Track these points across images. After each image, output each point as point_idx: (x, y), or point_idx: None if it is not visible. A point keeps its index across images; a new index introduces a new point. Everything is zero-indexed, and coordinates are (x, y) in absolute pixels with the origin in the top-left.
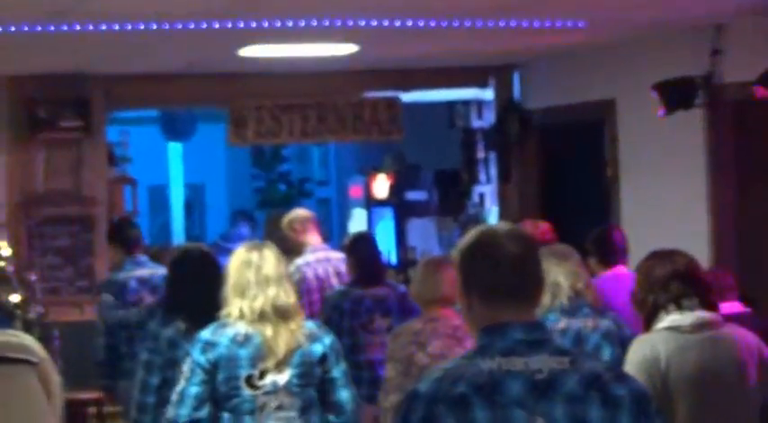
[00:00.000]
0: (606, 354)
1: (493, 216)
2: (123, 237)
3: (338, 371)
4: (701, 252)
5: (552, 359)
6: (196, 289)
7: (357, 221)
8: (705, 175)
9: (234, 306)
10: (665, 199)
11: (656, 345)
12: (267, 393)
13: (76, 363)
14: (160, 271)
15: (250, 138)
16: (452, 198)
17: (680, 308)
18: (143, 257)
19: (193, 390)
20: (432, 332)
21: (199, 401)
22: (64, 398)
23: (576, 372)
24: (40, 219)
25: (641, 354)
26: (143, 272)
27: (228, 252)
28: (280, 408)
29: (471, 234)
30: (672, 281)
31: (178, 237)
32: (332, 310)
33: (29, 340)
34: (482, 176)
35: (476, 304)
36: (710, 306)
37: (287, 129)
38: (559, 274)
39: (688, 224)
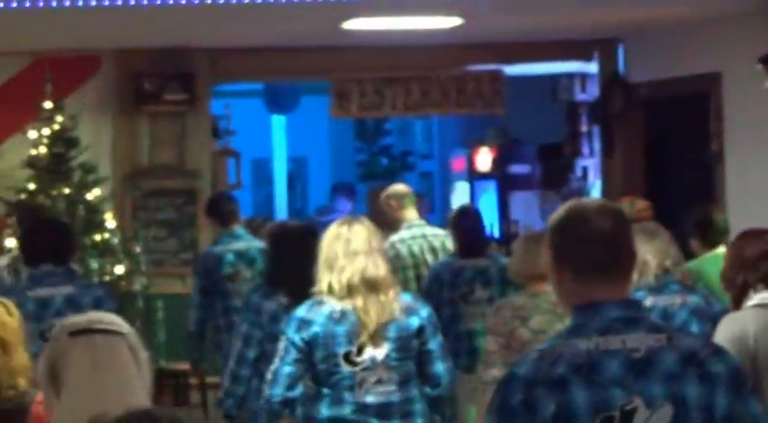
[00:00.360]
0: (694, 330)
1: (596, 190)
2: (219, 211)
3: (435, 343)
4: None
5: (649, 337)
6: (297, 264)
7: (460, 195)
8: None
9: (323, 281)
10: None
11: (746, 322)
12: (366, 369)
13: (179, 334)
14: (256, 244)
15: (353, 111)
16: (555, 171)
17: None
18: (240, 230)
19: (287, 369)
20: (533, 307)
21: (292, 381)
22: (152, 370)
23: (673, 349)
24: (144, 191)
25: (730, 331)
26: (239, 245)
27: (324, 226)
28: (379, 382)
29: (561, 210)
30: (762, 260)
31: (281, 210)
32: (433, 280)
33: (114, 316)
34: (585, 150)
35: (567, 281)
36: None
37: (390, 102)
38: (648, 253)
39: None
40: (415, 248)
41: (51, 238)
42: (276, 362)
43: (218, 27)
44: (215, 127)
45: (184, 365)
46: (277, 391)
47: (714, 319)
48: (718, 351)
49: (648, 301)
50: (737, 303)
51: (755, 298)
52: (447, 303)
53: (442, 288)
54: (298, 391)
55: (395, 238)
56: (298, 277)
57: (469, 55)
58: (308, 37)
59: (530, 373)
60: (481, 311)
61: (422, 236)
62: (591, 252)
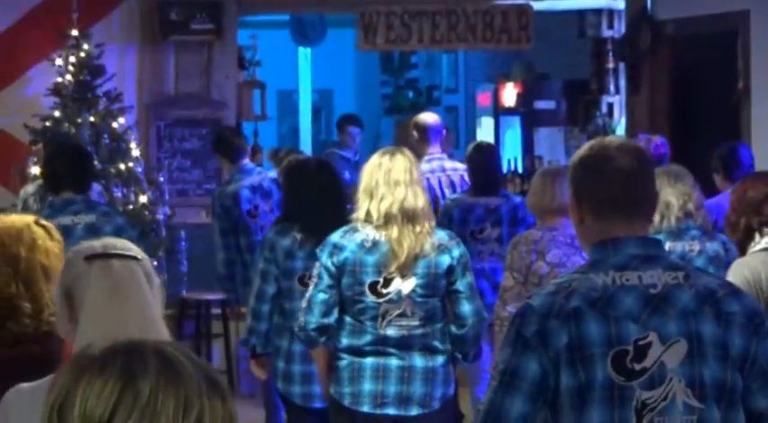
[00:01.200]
0: None
1: (621, 127)
2: (227, 146)
3: (463, 283)
4: None
5: (666, 274)
6: (312, 200)
7: (485, 130)
8: None
9: (362, 208)
10: None
11: (756, 266)
12: (390, 301)
13: (202, 264)
14: (268, 175)
15: (379, 44)
16: (581, 108)
17: None
18: (249, 164)
19: (321, 296)
20: (550, 241)
21: (327, 307)
22: (165, 296)
23: (690, 287)
24: (169, 121)
25: (741, 276)
26: (252, 179)
27: (343, 159)
28: (401, 316)
29: (583, 147)
30: (765, 203)
31: (305, 142)
32: (442, 216)
33: (128, 242)
34: (611, 87)
35: (587, 218)
36: None
37: (416, 35)
38: (670, 195)
39: None
40: (434, 182)
41: (71, 166)
42: (311, 289)
43: None
44: (241, 57)
45: (207, 295)
46: (312, 319)
47: None
48: (736, 291)
49: (667, 246)
50: (742, 247)
51: (762, 241)
52: None
53: (452, 225)
54: (333, 317)
55: None
56: (312, 213)
57: None
58: None
59: (545, 306)
60: (489, 249)
61: (441, 169)
62: (612, 190)
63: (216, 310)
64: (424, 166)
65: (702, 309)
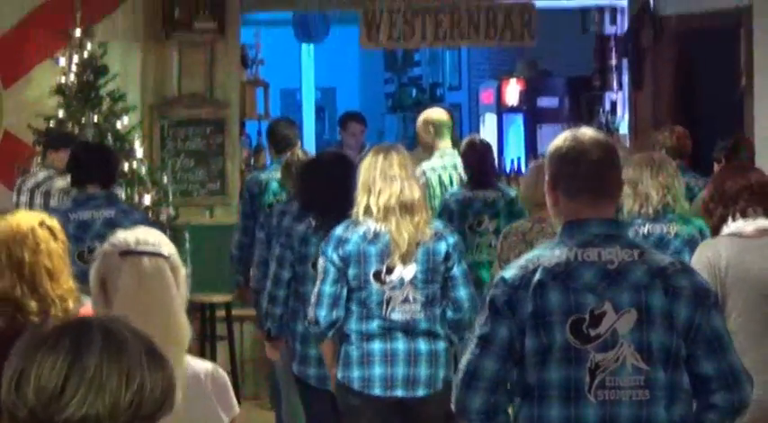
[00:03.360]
0: (686, 259)
1: (624, 123)
2: (273, 136)
3: (459, 270)
4: None
5: (623, 251)
6: (328, 187)
7: (488, 127)
8: None
9: (361, 203)
10: None
11: (719, 248)
12: (394, 288)
13: (206, 265)
14: None
15: (383, 41)
16: (584, 105)
17: (744, 217)
18: None
19: (329, 289)
20: (539, 232)
21: (335, 300)
22: (188, 291)
23: (643, 263)
24: (172, 121)
25: (705, 256)
26: None
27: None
28: (405, 301)
29: (559, 138)
30: (741, 194)
31: (309, 140)
32: (442, 210)
33: (159, 234)
34: (614, 83)
35: (561, 200)
36: None
37: (420, 33)
38: (651, 187)
39: None
40: (445, 178)
41: (96, 162)
42: (318, 283)
43: None
44: (244, 56)
45: (211, 297)
46: (322, 313)
47: None
48: (685, 269)
49: (645, 229)
50: (716, 232)
51: (731, 226)
52: None
53: (452, 218)
54: (342, 310)
55: (426, 165)
56: (328, 201)
57: None
58: None
59: (515, 278)
60: (488, 242)
61: (453, 166)
62: (582, 176)
63: (220, 312)
64: (436, 162)
65: (653, 283)
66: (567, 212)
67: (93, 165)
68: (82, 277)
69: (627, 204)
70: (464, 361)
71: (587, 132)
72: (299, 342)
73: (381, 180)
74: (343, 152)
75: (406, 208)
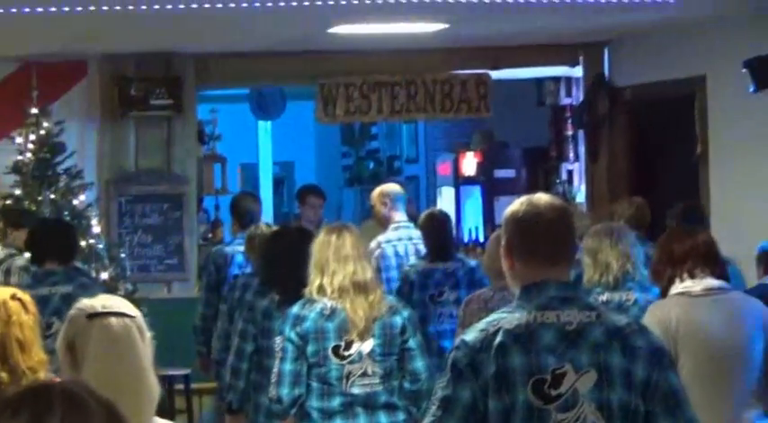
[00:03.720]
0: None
1: (581, 194)
2: (237, 210)
3: (414, 342)
4: None
5: (581, 313)
6: (290, 264)
7: (445, 199)
8: None
9: (315, 282)
10: (755, 176)
11: (669, 308)
12: (353, 362)
13: (164, 340)
14: None
15: (339, 115)
16: (541, 176)
17: (692, 277)
18: None
19: (289, 367)
20: (501, 300)
21: (296, 377)
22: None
23: (601, 324)
24: (130, 196)
25: (656, 316)
26: None
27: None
28: (364, 375)
29: (515, 203)
30: (688, 256)
31: (267, 214)
32: (403, 282)
33: (123, 299)
34: (570, 154)
35: (517, 264)
36: (721, 278)
37: (376, 106)
38: (611, 257)
39: None
40: (401, 250)
41: (54, 238)
42: (277, 363)
43: (203, 32)
44: (201, 132)
45: (169, 370)
46: (284, 391)
47: None
48: (642, 329)
49: (604, 297)
50: (665, 293)
51: (679, 286)
52: (417, 304)
53: (413, 289)
54: (303, 387)
55: (382, 238)
56: (290, 277)
57: (455, 59)
58: (295, 41)
59: (476, 341)
60: (449, 312)
61: (408, 238)
62: (538, 241)
63: (179, 386)
64: (391, 234)
65: (611, 343)
66: (524, 276)
67: (51, 241)
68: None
69: (587, 273)
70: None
71: (543, 197)
72: (262, 415)
73: (335, 261)
74: (303, 226)
75: (360, 287)
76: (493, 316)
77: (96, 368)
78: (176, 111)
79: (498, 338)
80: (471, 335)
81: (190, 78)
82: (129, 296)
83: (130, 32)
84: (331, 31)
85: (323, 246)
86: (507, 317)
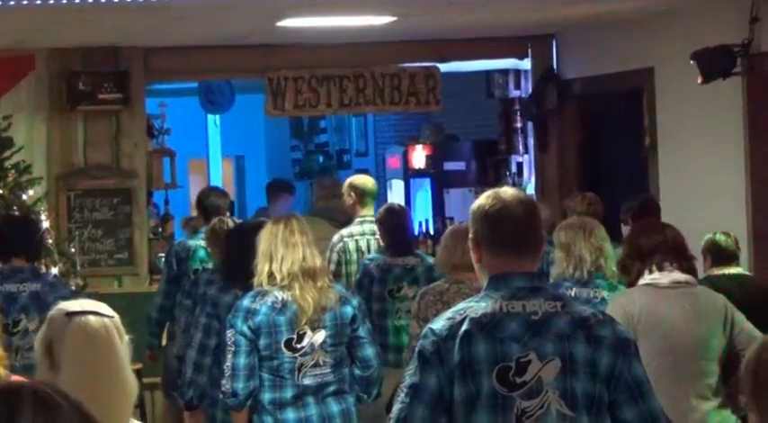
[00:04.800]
0: None
1: (531, 186)
2: (202, 204)
3: (364, 330)
4: (739, 221)
5: (547, 303)
6: (252, 259)
7: (395, 192)
8: (744, 144)
9: (263, 271)
10: (704, 167)
11: (634, 296)
12: (305, 354)
13: None
14: None
15: (288, 109)
16: (490, 168)
17: (660, 271)
18: None
19: (243, 361)
20: (456, 292)
21: (250, 371)
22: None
23: (566, 314)
24: (79, 191)
25: (620, 305)
26: None
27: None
28: (315, 365)
29: (482, 197)
30: (657, 250)
31: None
32: (362, 276)
33: (99, 302)
34: (520, 146)
35: (485, 257)
36: (688, 272)
37: (325, 100)
38: (585, 249)
39: (726, 192)
40: (363, 245)
41: (21, 235)
42: (230, 357)
43: (152, 25)
44: (150, 126)
45: None
46: (239, 385)
47: None
48: (607, 319)
49: (572, 292)
50: (632, 287)
51: (646, 278)
52: (376, 299)
53: (372, 284)
54: (256, 380)
55: (345, 232)
56: (253, 272)
57: (404, 52)
58: (243, 35)
59: (442, 329)
60: (407, 307)
61: (372, 233)
62: (506, 234)
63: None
64: (355, 229)
65: (576, 333)
66: (492, 268)
67: (18, 238)
68: (6, 348)
69: (560, 267)
70: (395, 410)
71: (509, 191)
72: (221, 410)
73: (283, 247)
74: (264, 221)
75: (309, 274)
76: (460, 305)
77: (75, 365)
78: (125, 105)
79: (464, 327)
80: (438, 323)
81: (138, 72)
82: (79, 291)
83: (78, 26)
84: (279, 24)
85: (271, 235)
86: (474, 306)
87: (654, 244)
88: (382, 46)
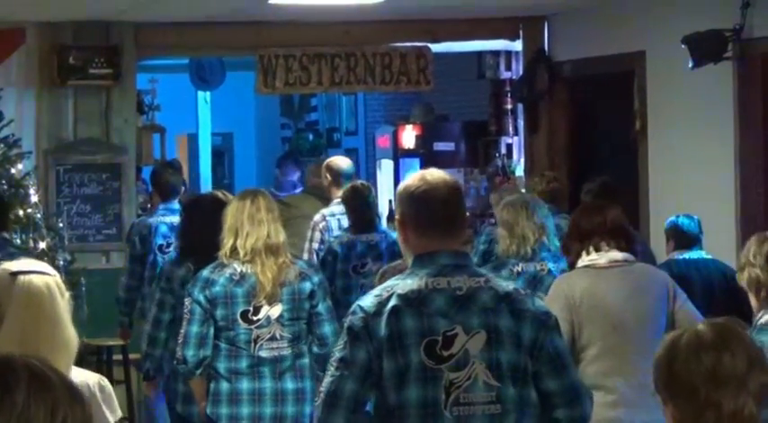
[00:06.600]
0: None
1: (520, 167)
2: (158, 182)
3: (323, 307)
4: (727, 205)
5: (471, 279)
6: (206, 233)
7: (385, 172)
8: (733, 129)
9: (227, 245)
10: (693, 152)
11: (574, 280)
12: (261, 327)
13: (102, 310)
14: None
15: (278, 87)
16: (480, 149)
17: (598, 252)
18: (176, 205)
19: (196, 329)
20: None
21: (202, 339)
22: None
23: (490, 289)
24: (68, 166)
25: (560, 288)
26: (174, 218)
27: (281, 202)
28: (272, 339)
29: (408, 178)
30: (595, 231)
31: (206, 185)
32: (326, 253)
33: (44, 263)
34: (510, 128)
35: (411, 236)
36: (626, 250)
37: (315, 78)
38: (528, 228)
39: (715, 177)
40: (334, 224)
41: None
42: (184, 324)
43: (143, 1)
44: (140, 102)
45: (107, 341)
46: (190, 352)
47: None
48: (528, 295)
49: (519, 267)
50: (573, 267)
51: (585, 259)
52: (340, 275)
53: (336, 260)
54: (208, 349)
55: (326, 211)
56: (206, 245)
57: (395, 31)
58: (235, 12)
59: (371, 305)
60: (371, 283)
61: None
62: (431, 214)
63: (117, 357)
64: (335, 208)
65: (500, 306)
66: (417, 246)
67: None
68: None
69: (503, 244)
70: (325, 383)
71: (435, 173)
72: (181, 382)
73: (249, 223)
74: (217, 195)
75: (271, 250)
76: (387, 282)
77: (19, 321)
78: (115, 80)
79: (392, 302)
80: (367, 300)
81: (129, 48)
82: (67, 266)
83: (69, 0)
84: (272, 1)
85: (237, 210)
86: (400, 283)
87: (593, 225)
88: (374, 25)
